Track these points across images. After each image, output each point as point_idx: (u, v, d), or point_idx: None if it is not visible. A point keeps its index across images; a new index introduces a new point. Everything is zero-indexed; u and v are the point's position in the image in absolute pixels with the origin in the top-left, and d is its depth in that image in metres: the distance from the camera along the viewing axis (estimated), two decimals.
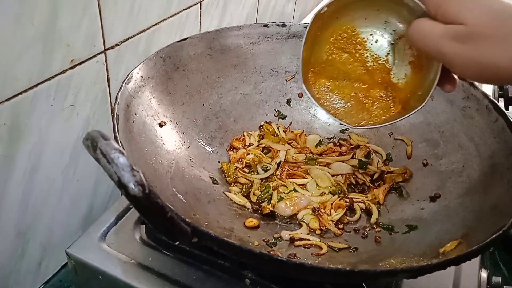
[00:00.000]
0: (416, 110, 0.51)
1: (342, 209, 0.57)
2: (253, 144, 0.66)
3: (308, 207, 0.57)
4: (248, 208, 0.57)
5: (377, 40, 0.52)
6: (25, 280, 0.59)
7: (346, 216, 0.57)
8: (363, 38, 0.52)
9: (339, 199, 0.58)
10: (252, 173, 0.62)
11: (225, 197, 0.58)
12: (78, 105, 0.58)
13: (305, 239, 0.53)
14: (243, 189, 0.59)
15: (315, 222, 0.55)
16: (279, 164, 0.62)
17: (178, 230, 0.37)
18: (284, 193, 0.59)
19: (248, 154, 0.64)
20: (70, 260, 0.52)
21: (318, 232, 0.55)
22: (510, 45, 0.34)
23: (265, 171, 0.62)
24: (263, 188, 0.59)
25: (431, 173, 0.60)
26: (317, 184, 0.60)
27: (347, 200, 0.58)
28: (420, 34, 0.40)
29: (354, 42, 0.52)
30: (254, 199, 0.59)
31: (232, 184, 0.60)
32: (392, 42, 0.51)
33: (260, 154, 0.64)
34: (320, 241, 0.52)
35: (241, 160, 0.63)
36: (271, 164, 0.63)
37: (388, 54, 0.52)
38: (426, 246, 0.47)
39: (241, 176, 0.61)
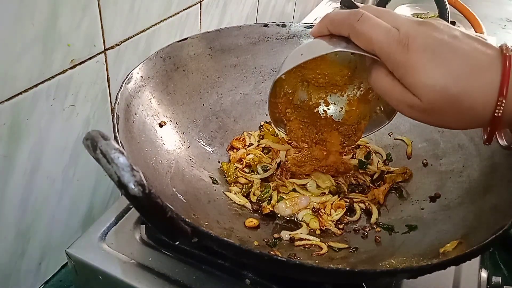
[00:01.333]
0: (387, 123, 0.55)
1: (342, 209, 0.57)
2: (253, 144, 0.66)
3: (308, 207, 0.57)
4: (248, 208, 0.57)
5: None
6: (25, 280, 0.59)
7: (346, 216, 0.57)
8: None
9: (339, 199, 0.58)
10: (252, 173, 0.62)
11: (225, 197, 0.58)
12: (78, 105, 0.58)
13: (305, 239, 0.53)
14: (243, 189, 0.59)
15: (315, 222, 0.55)
16: (279, 164, 0.62)
17: (178, 230, 0.37)
18: (284, 193, 0.59)
19: (248, 154, 0.64)
20: (70, 260, 0.52)
21: (318, 232, 0.55)
22: (458, 117, 0.39)
23: (265, 171, 0.62)
24: (263, 188, 0.59)
25: (431, 173, 0.60)
26: (317, 184, 0.60)
27: (347, 200, 0.58)
28: (380, 90, 0.43)
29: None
30: (254, 199, 0.58)
31: (232, 184, 0.60)
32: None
33: (260, 154, 0.64)
34: (320, 241, 0.52)
35: (241, 160, 0.63)
36: (271, 164, 0.63)
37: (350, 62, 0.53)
38: (426, 246, 0.47)
39: (241, 176, 0.61)
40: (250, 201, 0.58)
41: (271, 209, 0.57)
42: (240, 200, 0.58)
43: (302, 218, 0.56)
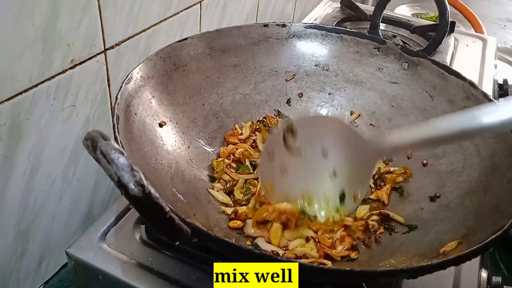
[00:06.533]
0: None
1: (349, 242, 0.51)
2: (244, 135, 0.64)
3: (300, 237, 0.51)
4: (230, 206, 0.56)
5: None
6: (25, 280, 0.59)
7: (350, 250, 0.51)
8: None
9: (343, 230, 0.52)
10: (242, 169, 0.60)
11: None
12: (78, 105, 0.58)
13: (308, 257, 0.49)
14: (226, 187, 0.58)
15: (312, 249, 0.49)
16: None
17: (178, 230, 0.37)
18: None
19: (238, 148, 0.63)
20: (70, 260, 0.52)
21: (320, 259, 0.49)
22: None
23: (253, 166, 0.60)
24: (244, 190, 0.58)
25: (431, 173, 0.60)
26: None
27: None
28: None
29: None
30: (234, 198, 0.57)
31: (216, 181, 0.59)
32: None
33: (249, 148, 0.63)
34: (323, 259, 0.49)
35: (230, 155, 0.62)
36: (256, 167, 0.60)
37: None
38: (426, 246, 0.47)
39: (226, 173, 0.59)
40: (233, 200, 0.57)
41: (240, 225, 0.52)
42: (223, 198, 0.56)
43: (293, 250, 0.50)
